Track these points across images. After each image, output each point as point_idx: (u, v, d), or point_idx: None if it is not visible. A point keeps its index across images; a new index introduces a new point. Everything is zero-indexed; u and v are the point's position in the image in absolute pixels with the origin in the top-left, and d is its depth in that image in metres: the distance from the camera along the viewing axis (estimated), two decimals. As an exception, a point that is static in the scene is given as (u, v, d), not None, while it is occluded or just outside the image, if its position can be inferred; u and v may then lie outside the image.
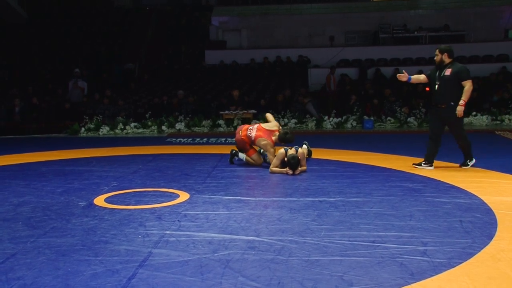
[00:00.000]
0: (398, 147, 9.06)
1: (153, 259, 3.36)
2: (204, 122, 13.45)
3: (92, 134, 13.13)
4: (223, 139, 11.14)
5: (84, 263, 3.31)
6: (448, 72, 6.54)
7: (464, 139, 6.73)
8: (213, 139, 11.29)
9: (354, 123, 13.41)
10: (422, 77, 7.01)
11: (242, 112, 13.39)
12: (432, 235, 3.78)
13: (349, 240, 3.70)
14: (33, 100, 14.34)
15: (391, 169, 6.81)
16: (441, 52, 6.64)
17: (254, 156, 7.30)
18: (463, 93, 6.44)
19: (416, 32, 19.19)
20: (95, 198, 5.29)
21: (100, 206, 4.92)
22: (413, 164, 6.86)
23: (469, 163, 6.77)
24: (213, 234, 3.90)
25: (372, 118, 13.28)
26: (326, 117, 13.55)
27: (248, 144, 7.24)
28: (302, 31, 20.52)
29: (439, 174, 6.31)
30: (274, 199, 5.14)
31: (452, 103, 6.48)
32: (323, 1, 20.53)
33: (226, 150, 8.54)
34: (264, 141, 7.01)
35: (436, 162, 7.23)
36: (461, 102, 6.43)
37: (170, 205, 4.91)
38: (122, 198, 5.28)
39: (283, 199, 5.13)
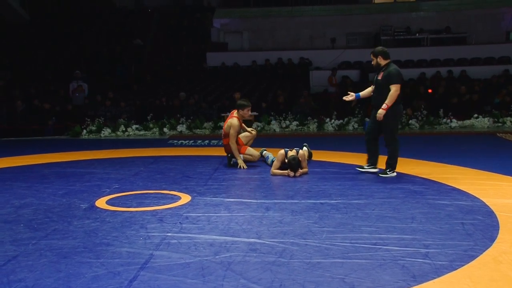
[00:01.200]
0: (399, 149, 9.02)
1: (154, 261, 3.36)
2: (205, 124, 13.45)
3: (94, 136, 13.14)
4: (224, 141, 11.12)
5: (86, 265, 3.31)
6: (380, 76, 6.37)
7: (393, 145, 6.38)
8: (215, 141, 11.29)
9: (356, 125, 13.41)
10: (370, 89, 6.72)
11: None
12: (433, 238, 3.78)
13: (351, 243, 3.69)
14: (34, 102, 14.36)
15: (392, 171, 6.79)
16: (375, 56, 6.40)
17: (248, 151, 7.50)
18: (388, 96, 6.19)
19: (417, 34, 19.21)
20: (96, 200, 5.29)
21: (102, 208, 4.93)
22: (357, 168, 6.68)
23: (388, 173, 6.38)
24: (214, 236, 3.90)
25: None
26: (328, 119, 13.54)
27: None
28: (304, 33, 20.55)
29: (440, 176, 6.30)
30: (276, 201, 5.14)
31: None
32: (324, 3, 20.55)
33: (227, 152, 8.56)
34: (227, 124, 7.33)
35: (436, 164, 7.24)
36: (384, 106, 6.19)
37: (172, 207, 4.91)
38: (124, 200, 5.28)
39: (285, 201, 5.13)
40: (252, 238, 3.84)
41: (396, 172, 6.46)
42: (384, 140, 6.47)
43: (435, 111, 13.50)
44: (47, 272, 3.20)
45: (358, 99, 7.03)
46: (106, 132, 13.21)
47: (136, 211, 4.79)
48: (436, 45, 18.85)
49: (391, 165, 6.43)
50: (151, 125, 13.43)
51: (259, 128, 13.06)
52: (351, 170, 6.89)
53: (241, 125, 7.54)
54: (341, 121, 13.51)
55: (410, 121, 13.16)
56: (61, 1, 22.98)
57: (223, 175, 6.75)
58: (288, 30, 20.57)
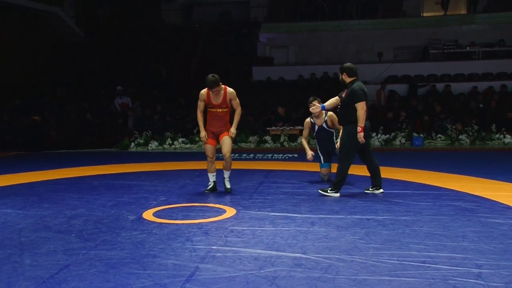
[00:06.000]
0: (449, 165, 8.80)
1: (199, 274, 3.39)
2: (250, 138, 13.51)
3: (142, 149, 13.43)
4: (269, 155, 11.15)
5: (133, 276, 3.37)
6: (344, 93, 6.13)
7: (342, 163, 6.08)
8: (260, 155, 11.32)
9: (403, 140, 13.14)
10: (335, 99, 6.42)
11: (288, 128, 13.39)
12: (487, 257, 3.64)
13: (398, 260, 3.60)
14: (87, 115, 14.86)
15: (441, 187, 6.61)
16: (341, 72, 6.17)
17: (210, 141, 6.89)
18: (358, 118, 5.93)
19: (468, 48, 18.71)
20: (144, 212, 5.39)
21: (149, 220, 5.01)
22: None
23: (329, 192, 6.12)
24: (259, 250, 3.89)
25: (421, 135, 12.98)
26: (374, 134, 13.34)
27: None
28: (350, 47, 20.38)
29: (492, 193, 6.08)
30: (321, 216, 5.09)
31: (349, 126, 6.04)
32: (371, 17, 20.37)
33: (272, 166, 8.57)
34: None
35: (488, 181, 7.00)
36: (358, 128, 5.93)
37: (217, 221, 4.94)
38: (170, 213, 5.36)
39: (330, 216, 5.07)
40: (297, 253, 3.81)
41: (445, 188, 6.27)
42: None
43: (488, 126, 13.07)
44: (97, 282, 3.28)
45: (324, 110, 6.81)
46: (153, 145, 13.48)
47: (182, 223, 4.85)
48: (488, 58, 18.28)
49: (335, 184, 6.14)
50: (197, 139, 13.62)
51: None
52: (398, 186, 6.76)
53: (208, 99, 6.81)
54: (387, 136, 13.28)
55: (460, 137, 12.79)
56: (113, 19, 23.79)
57: (268, 189, 6.74)
58: (334, 44, 20.46)
